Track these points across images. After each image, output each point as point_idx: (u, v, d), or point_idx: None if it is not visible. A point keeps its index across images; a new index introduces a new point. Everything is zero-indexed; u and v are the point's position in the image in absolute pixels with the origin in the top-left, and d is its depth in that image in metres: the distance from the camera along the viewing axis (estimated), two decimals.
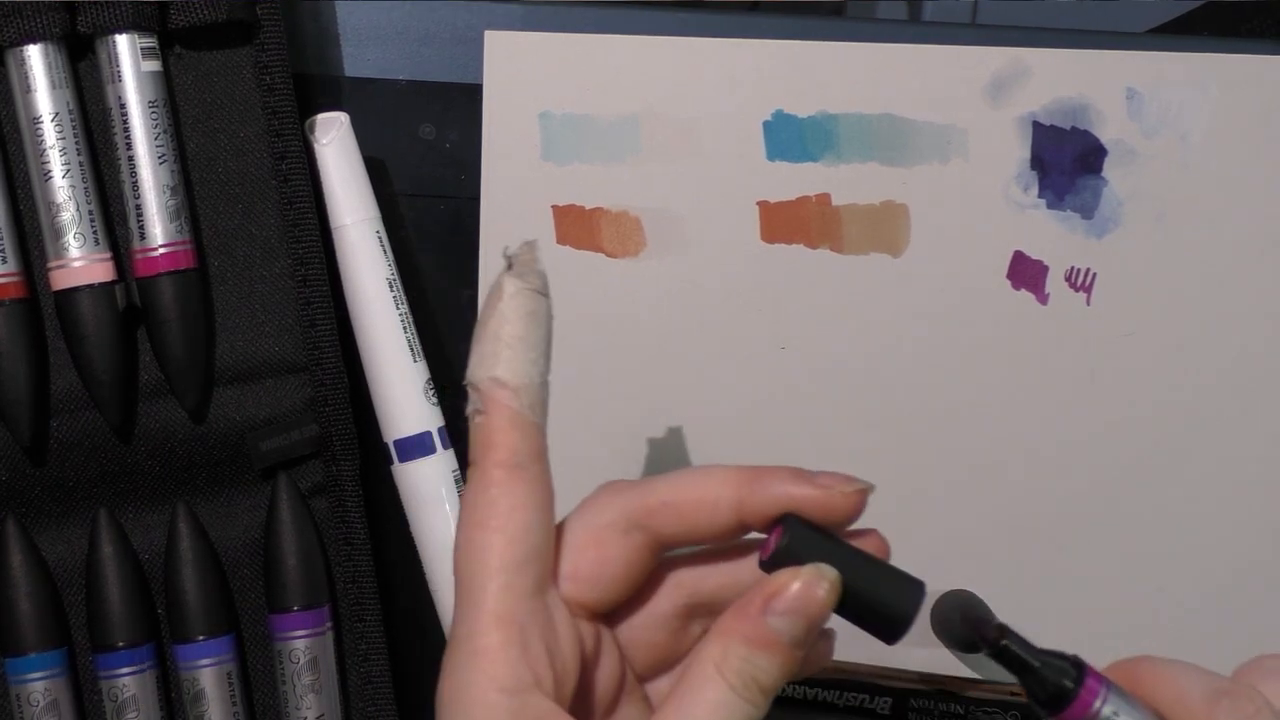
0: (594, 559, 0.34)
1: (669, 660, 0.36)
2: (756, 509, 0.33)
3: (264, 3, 0.44)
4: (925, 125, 0.48)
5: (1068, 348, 0.49)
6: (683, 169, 0.48)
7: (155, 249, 0.44)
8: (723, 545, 0.35)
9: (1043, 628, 0.50)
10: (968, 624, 0.47)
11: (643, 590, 0.35)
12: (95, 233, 0.44)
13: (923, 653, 0.49)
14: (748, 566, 0.35)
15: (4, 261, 0.43)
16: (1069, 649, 0.49)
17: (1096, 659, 0.49)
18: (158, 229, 0.44)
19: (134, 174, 0.44)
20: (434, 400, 0.47)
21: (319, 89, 0.48)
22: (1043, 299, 0.49)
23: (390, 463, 0.47)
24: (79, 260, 0.43)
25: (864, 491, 0.33)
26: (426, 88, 0.49)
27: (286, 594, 0.46)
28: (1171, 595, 0.50)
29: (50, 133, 0.43)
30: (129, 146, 0.43)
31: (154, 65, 0.44)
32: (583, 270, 0.48)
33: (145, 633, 0.45)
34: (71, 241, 0.43)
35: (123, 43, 0.43)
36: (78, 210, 0.43)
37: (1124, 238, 0.49)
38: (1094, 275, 0.49)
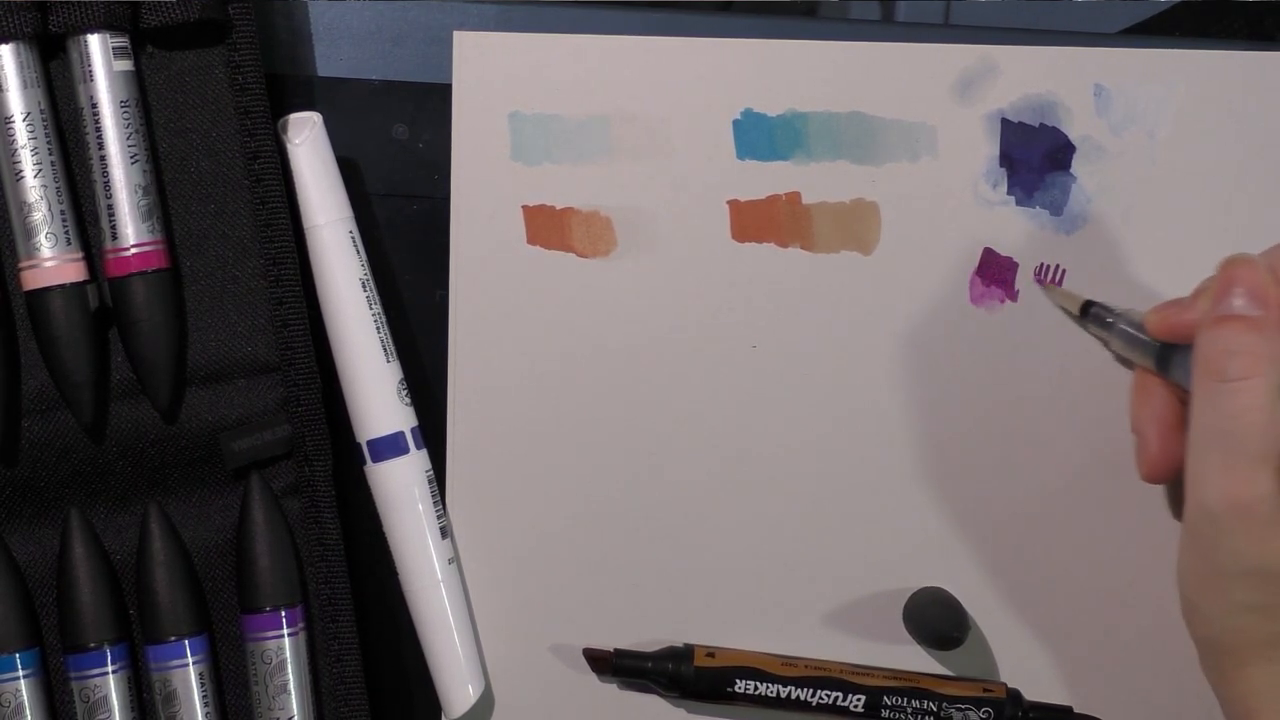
0: None
1: None
2: None
3: (236, 2, 0.44)
4: (894, 123, 0.48)
5: (1037, 344, 0.49)
6: (653, 168, 0.48)
7: (127, 249, 0.44)
8: None
9: (1016, 622, 0.50)
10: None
11: None
12: (67, 233, 0.44)
13: (896, 650, 0.49)
14: None
15: None
16: (1042, 646, 0.50)
17: (1070, 655, 0.50)
18: (129, 229, 0.44)
19: (106, 174, 0.44)
20: (407, 400, 0.47)
21: (291, 89, 0.48)
22: (1012, 295, 0.49)
23: (363, 463, 0.47)
24: (50, 260, 0.43)
25: None
26: (399, 88, 0.49)
27: (259, 594, 0.46)
28: (1143, 589, 0.50)
29: (22, 132, 0.43)
30: (101, 146, 0.44)
31: (126, 65, 0.44)
32: (553, 270, 0.49)
33: (117, 633, 0.45)
34: (43, 241, 0.43)
35: (94, 42, 0.43)
36: (49, 210, 0.43)
37: (1093, 234, 0.49)
38: (1063, 271, 0.49)
